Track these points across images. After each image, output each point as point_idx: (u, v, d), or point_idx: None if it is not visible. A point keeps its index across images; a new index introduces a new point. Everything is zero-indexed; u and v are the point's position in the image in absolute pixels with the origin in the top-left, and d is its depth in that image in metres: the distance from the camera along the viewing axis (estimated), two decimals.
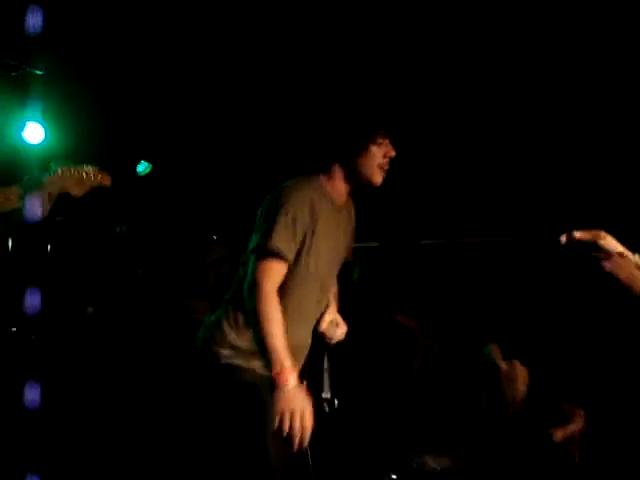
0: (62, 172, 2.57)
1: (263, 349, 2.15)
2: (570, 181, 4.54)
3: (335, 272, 2.55)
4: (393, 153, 2.51)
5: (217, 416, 2.33)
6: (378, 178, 2.49)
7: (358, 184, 2.53)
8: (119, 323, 5.05)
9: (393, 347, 4.60)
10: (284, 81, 5.30)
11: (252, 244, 2.32)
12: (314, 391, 5.25)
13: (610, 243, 1.96)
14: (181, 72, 5.57)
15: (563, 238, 1.98)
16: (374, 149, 2.46)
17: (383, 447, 3.28)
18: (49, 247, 5.18)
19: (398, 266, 5.06)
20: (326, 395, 5.51)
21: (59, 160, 2.57)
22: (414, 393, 4.18)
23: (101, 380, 4.79)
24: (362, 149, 2.45)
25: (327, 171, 2.47)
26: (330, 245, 2.42)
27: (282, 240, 2.21)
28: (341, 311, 4.97)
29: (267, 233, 2.22)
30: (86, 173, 2.59)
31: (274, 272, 2.20)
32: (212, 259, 4.73)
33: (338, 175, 2.45)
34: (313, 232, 2.33)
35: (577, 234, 1.96)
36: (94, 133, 5.43)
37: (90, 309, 5.13)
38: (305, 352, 2.47)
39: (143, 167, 5.91)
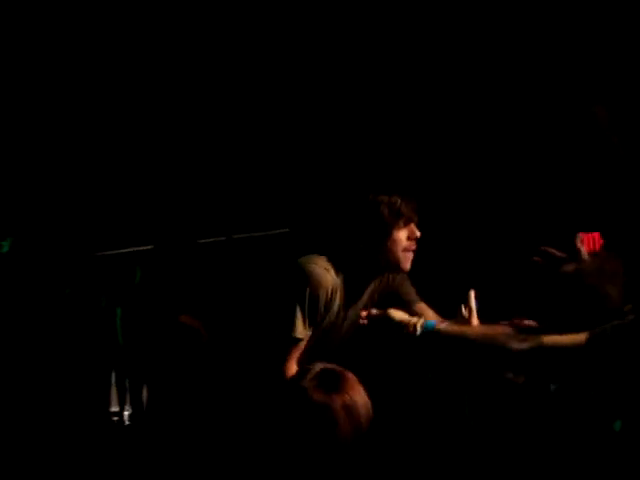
0: None
1: None
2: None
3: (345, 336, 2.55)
4: (418, 234, 2.42)
5: None
6: (406, 264, 2.42)
7: (385, 269, 2.45)
8: None
9: (179, 349, 4.52)
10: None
11: (276, 326, 2.39)
12: (102, 405, 5.05)
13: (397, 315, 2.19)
14: None
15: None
16: (397, 234, 2.39)
17: None
18: None
19: (178, 266, 4.96)
20: (114, 409, 5.30)
21: None
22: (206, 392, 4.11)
23: None
24: (384, 236, 2.38)
25: (350, 255, 2.41)
26: (346, 316, 2.46)
27: (301, 328, 2.32)
28: (126, 316, 4.83)
29: (289, 322, 2.31)
30: None
31: (295, 352, 2.34)
32: None
33: (362, 260, 2.39)
34: (328, 311, 2.38)
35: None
36: None
37: None
38: None
39: None
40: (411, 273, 2.60)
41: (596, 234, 3.06)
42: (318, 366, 1.49)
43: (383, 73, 4.74)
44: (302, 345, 2.38)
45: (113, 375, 5.03)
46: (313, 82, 4.95)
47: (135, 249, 5.56)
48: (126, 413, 5.08)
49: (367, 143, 4.74)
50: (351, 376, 1.50)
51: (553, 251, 2.11)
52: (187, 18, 4.88)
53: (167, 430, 4.20)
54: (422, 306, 2.65)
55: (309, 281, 2.35)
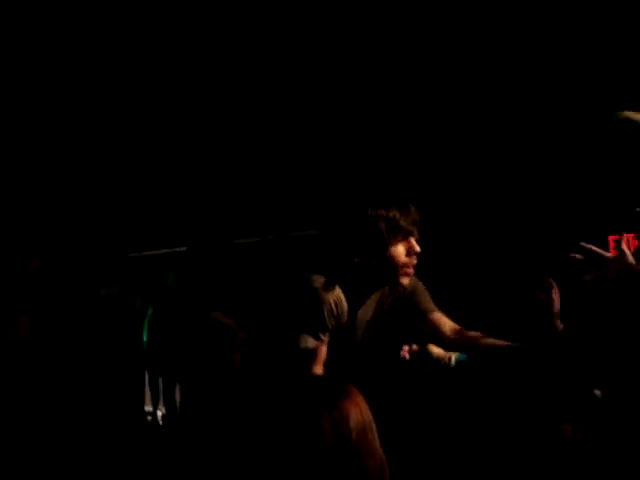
0: None
1: None
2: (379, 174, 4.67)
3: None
4: (417, 249, 2.37)
5: None
6: (403, 280, 2.39)
7: (384, 284, 2.45)
8: None
9: (212, 345, 4.54)
10: None
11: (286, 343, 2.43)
12: (136, 405, 5.11)
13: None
14: None
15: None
16: (395, 249, 2.35)
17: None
18: None
19: (211, 267, 4.99)
20: (148, 408, 5.36)
21: None
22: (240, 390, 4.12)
23: None
24: (382, 251, 2.34)
25: (350, 269, 2.39)
26: (358, 329, 2.49)
27: (310, 340, 2.37)
28: (158, 317, 4.89)
29: (298, 337, 2.37)
30: None
31: (316, 359, 2.38)
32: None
33: (362, 274, 2.39)
34: (339, 322, 2.39)
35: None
36: None
37: None
38: None
39: None
40: (434, 279, 2.58)
41: (630, 235, 2.99)
42: (319, 376, 1.49)
43: (384, 83, 4.75)
44: (322, 351, 2.39)
45: (146, 375, 5.09)
46: (324, 96, 4.97)
47: (169, 251, 5.63)
48: (159, 413, 5.14)
49: (373, 152, 4.76)
50: (351, 390, 1.49)
51: (594, 248, 2.05)
52: (187, 19, 4.88)
53: (199, 431, 4.23)
54: (438, 315, 2.59)
55: (310, 300, 2.37)
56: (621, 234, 2.99)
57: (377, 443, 1.47)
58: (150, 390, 5.10)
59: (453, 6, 4.38)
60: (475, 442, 2.40)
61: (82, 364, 4.64)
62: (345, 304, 2.42)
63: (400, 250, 2.36)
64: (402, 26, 4.56)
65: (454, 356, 2.29)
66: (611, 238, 3.18)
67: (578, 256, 2.05)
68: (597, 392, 2.17)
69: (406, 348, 2.37)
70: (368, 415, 1.47)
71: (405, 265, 2.38)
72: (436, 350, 2.34)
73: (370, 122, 4.88)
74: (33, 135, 5.51)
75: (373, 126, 4.87)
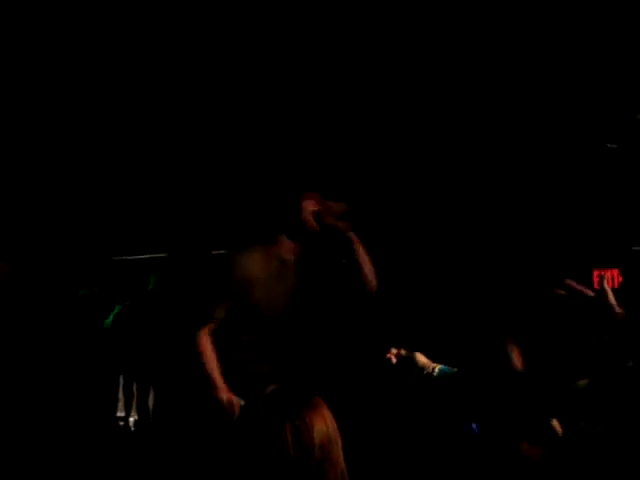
0: None
1: None
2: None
3: (286, 309, 2.85)
4: (319, 198, 2.77)
5: None
6: (313, 223, 2.77)
7: (302, 237, 2.79)
8: None
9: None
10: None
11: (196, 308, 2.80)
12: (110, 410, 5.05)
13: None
14: None
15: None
16: (303, 203, 2.75)
17: None
18: None
19: (190, 275, 4.98)
20: (120, 413, 5.31)
21: None
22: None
23: None
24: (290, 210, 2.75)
25: (270, 236, 2.78)
26: (273, 293, 2.75)
27: (218, 309, 2.69)
28: (139, 321, 4.86)
29: (206, 304, 2.74)
30: None
31: (207, 327, 2.72)
32: None
33: (280, 237, 2.76)
34: (250, 291, 2.69)
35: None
36: None
37: None
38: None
39: None
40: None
41: (615, 271, 3.05)
42: (280, 386, 1.49)
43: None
44: (214, 324, 2.68)
45: (121, 380, 5.04)
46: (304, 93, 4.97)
47: (151, 256, 5.60)
48: (131, 419, 5.09)
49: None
50: (317, 401, 1.50)
51: (575, 285, 2.09)
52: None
53: (169, 438, 4.20)
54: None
55: (228, 267, 2.72)
56: (605, 269, 3.05)
57: (341, 455, 1.48)
58: (123, 396, 5.05)
59: (443, 7, 4.38)
60: (440, 454, 2.42)
61: (53, 367, 4.58)
62: (267, 267, 2.74)
63: (307, 203, 2.77)
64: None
65: (437, 367, 2.27)
66: (595, 272, 3.23)
67: (562, 292, 2.09)
68: (474, 425, 2.26)
69: (394, 352, 2.39)
70: (333, 427, 1.47)
71: (311, 213, 2.77)
72: (422, 359, 2.33)
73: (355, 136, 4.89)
74: (19, 137, 5.47)
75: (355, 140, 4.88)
